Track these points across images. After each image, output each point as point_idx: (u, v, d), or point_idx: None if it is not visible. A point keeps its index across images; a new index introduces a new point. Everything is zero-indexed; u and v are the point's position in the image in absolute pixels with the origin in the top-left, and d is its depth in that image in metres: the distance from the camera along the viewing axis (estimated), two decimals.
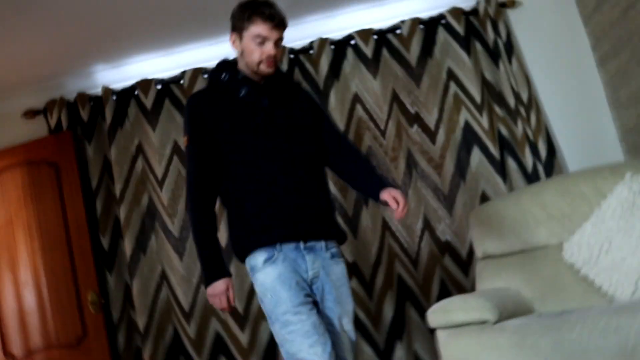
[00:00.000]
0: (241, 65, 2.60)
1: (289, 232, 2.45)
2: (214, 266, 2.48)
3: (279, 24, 2.49)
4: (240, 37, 2.54)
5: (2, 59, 4.00)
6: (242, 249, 2.50)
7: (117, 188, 4.25)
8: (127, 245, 4.18)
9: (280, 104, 2.60)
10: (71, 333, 4.07)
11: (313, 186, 2.55)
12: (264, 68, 2.51)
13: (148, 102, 4.36)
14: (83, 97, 4.37)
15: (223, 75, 2.60)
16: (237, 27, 2.54)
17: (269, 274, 2.41)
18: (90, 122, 4.36)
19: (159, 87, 4.41)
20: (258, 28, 2.47)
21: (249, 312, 4.11)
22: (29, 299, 4.11)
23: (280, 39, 2.53)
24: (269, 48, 2.49)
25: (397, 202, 2.49)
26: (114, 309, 4.16)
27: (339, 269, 2.55)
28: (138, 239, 4.22)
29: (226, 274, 2.47)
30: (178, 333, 4.15)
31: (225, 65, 2.66)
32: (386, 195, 2.53)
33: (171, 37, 4.27)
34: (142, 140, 4.36)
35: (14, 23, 3.62)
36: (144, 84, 4.38)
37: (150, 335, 4.10)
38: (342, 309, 2.53)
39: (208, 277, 2.47)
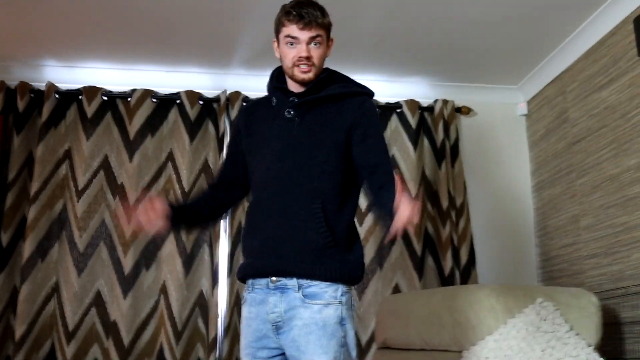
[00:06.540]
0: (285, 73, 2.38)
1: (255, 266, 2.24)
2: None
3: (309, 23, 2.22)
4: (278, 41, 2.32)
5: None
6: None
7: (34, 187, 4.07)
8: (27, 248, 3.98)
9: (310, 117, 2.29)
10: None
11: (300, 215, 2.18)
12: (298, 73, 2.26)
13: (90, 110, 4.24)
14: (24, 87, 4.22)
15: (267, 83, 2.43)
16: (275, 30, 2.33)
17: (242, 314, 2.30)
18: (25, 113, 4.20)
19: (105, 98, 4.30)
20: (287, 29, 2.25)
21: (133, 347, 3.95)
22: None
23: (317, 36, 2.25)
24: (300, 49, 2.24)
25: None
26: None
27: (307, 314, 2.11)
28: (40, 243, 4.03)
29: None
30: (55, 351, 3.93)
31: (274, 72, 2.44)
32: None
33: (129, 53, 4.20)
34: (73, 146, 4.22)
35: None
36: (90, 91, 4.27)
37: (25, 346, 3.87)
38: None
39: None
